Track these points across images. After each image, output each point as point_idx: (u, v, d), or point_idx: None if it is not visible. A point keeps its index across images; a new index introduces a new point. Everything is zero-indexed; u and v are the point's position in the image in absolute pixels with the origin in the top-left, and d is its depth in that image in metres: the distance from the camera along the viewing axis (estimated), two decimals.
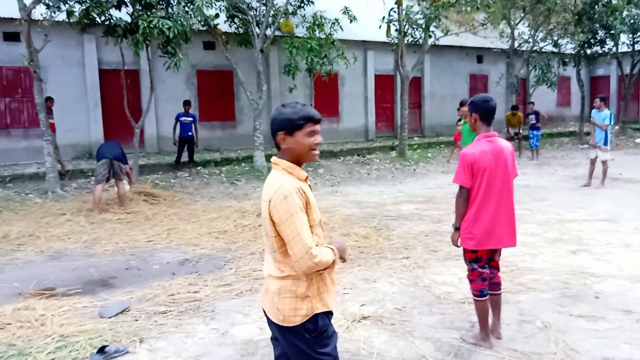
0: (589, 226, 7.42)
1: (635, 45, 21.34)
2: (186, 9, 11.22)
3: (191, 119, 12.93)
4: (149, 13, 10.27)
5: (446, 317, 4.36)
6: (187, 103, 13.10)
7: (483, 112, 3.65)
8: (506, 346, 3.77)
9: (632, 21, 19.86)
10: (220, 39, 13.99)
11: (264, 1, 14.49)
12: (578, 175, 12.09)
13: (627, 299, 4.65)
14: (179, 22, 10.42)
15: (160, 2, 10.95)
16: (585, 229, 7.28)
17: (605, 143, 10.57)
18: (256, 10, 14.49)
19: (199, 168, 13.34)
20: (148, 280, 5.53)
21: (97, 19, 10.99)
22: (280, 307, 2.24)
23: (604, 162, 10.64)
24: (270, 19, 13.86)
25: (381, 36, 17.10)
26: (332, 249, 2.29)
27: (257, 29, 13.80)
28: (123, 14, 10.99)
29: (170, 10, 10.95)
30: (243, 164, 14.02)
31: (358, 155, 16.44)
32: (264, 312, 2.37)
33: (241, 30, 14.71)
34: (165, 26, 10.01)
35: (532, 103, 16.73)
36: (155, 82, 12.75)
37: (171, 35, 10.18)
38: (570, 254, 6.07)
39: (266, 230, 2.26)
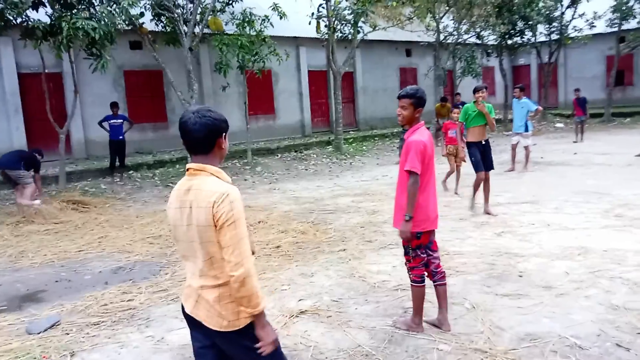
0: (513, 209, 7.84)
1: (552, 35, 22.63)
2: (109, 8, 10.81)
3: (121, 120, 12.52)
4: (70, 14, 9.82)
5: (381, 306, 4.49)
6: (114, 105, 12.66)
7: (424, 104, 3.82)
8: (437, 329, 3.95)
9: (547, 12, 21.06)
10: (146, 39, 13.59)
11: None
12: (503, 161, 12.69)
13: (548, 275, 4.97)
14: (104, 22, 10.04)
15: (82, 2, 10.50)
16: (510, 211, 7.70)
17: (526, 129, 11.18)
18: (183, 8, 14.18)
19: (130, 172, 12.94)
20: (79, 292, 5.34)
21: (14, 21, 10.39)
22: (224, 313, 2.21)
23: (526, 148, 11.26)
24: (198, 17, 13.61)
25: (312, 32, 17.21)
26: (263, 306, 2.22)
27: (184, 27, 13.51)
28: (41, 15, 10.45)
29: (93, 10, 10.52)
30: (177, 166, 13.74)
31: (295, 151, 16.50)
32: (193, 323, 2.31)
33: (168, 29, 14.35)
34: (90, 27, 9.61)
35: (459, 94, 17.40)
36: (80, 85, 12.25)
37: (97, 37, 9.79)
38: (496, 236, 6.41)
39: (202, 238, 2.17)
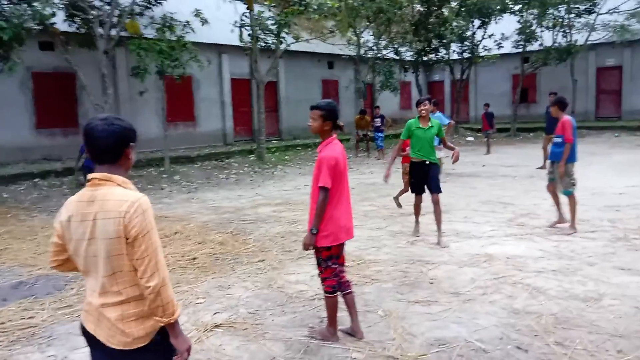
0: (426, 218, 8.12)
1: (464, 54, 23.98)
2: (18, 8, 10.14)
3: None
4: None
5: (297, 316, 4.51)
6: None
7: (335, 118, 3.88)
8: (351, 338, 4.02)
9: (460, 32, 22.30)
10: (58, 40, 12.87)
11: (107, 0, 13.66)
12: None
13: (456, 282, 5.23)
14: (13, 23, 9.39)
15: None
16: (423, 220, 7.96)
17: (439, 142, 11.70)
18: (99, 10, 13.59)
19: (36, 180, 12.14)
20: None
21: None
22: (127, 331, 2.13)
23: (439, 159, 11.78)
24: (114, 19, 13.10)
25: (235, 40, 17.09)
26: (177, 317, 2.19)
27: (100, 30, 12.94)
28: None
29: (1, 9, 9.82)
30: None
31: (216, 159, 16.24)
32: (93, 342, 2.20)
33: (82, 31, 13.68)
34: None
35: (378, 107, 17.95)
36: None
37: (6, 38, 9.13)
38: (410, 245, 6.66)
39: (109, 251, 2.07)
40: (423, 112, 6.70)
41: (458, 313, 4.45)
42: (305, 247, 3.86)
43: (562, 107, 7.10)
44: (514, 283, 5.10)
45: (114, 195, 2.09)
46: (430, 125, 6.69)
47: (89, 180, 2.15)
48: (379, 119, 17.32)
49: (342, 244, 3.97)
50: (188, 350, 2.22)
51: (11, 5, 10.03)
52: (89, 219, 2.10)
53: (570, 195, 6.96)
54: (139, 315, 2.15)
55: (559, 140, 7.02)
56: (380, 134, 17.26)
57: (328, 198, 3.75)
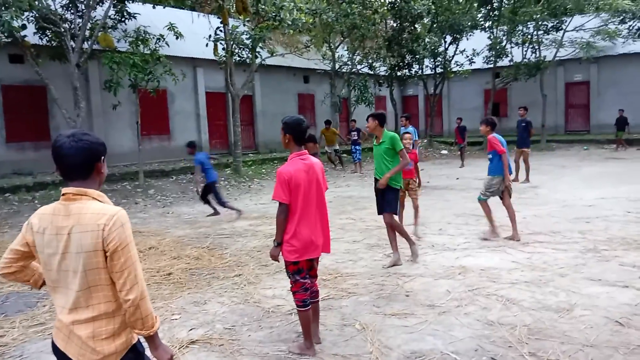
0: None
1: (437, 69, 24.43)
2: None
3: None
4: None
5: (274, 331, 4.49)
6: None
7: (296, 133, 3.90)
8: (328, 352, 4.02)
9: (432, 47, 22.74)
10: (29, 52, 12.66)
11: (80, 14, 13.52)
12: None
13: (432, 294, 5.27)
14: None
15: None
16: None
17: None
18: (71, 23, 13.45)
19: (7, 195, 11.85)
20: None
21: None
22: (99, 348, 2.10)
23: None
24: (87, 32, 12.96)
25: (210, 54, 17.08)
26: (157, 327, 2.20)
27: (72, 43, 12.79)
28: None
29: None
30: (61, 188, 12.77)
31: (192, 173, 16.05)
32: (63, 359, 2.17)
33: (54, 44, 13.50)
34: None
35: (354, 121, 18.12)
36: None
37: None
38: (386, 257, 6.68)
39: (85, 265, 2.05)
40: (367, 128, 6.39)
41: (434, 325, 4.49)
42: (272, 258, 3.99)
43: (492, 127, 7.54)
44: (488, 295, 5.18)
45: (90, 209, 2.08)
46: (382, 140, 6.30)
47: (64, 195, 2.13)
48: (355, 132, 17.49)
49: (312, 260, 4.01)
50: (170, 359, 2.23)
51: None
52: (63, 233, 2.07)
53: (481, 201, 7.57)
54: (111, 333, 2.13)
55: (490, 156, 7.56)
56: (357, 147, 17.43)
57: (285, 212, 3.82)
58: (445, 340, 4.18)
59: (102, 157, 2.19)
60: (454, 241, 7.44)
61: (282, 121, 3.98)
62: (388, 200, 6.24)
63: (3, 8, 10.38)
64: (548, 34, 22.81)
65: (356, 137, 17.43)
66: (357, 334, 4.35)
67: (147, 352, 2.27)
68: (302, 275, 3.94)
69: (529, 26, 22.35)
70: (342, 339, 4.20)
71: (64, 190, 2.13)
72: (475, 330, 4.34)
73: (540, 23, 22.09)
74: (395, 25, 22.74)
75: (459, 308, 4.86)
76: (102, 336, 2.11)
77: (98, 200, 2.14)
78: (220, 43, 16.10)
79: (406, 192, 7.71)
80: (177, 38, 14.32)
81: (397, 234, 6.39)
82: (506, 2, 23.17)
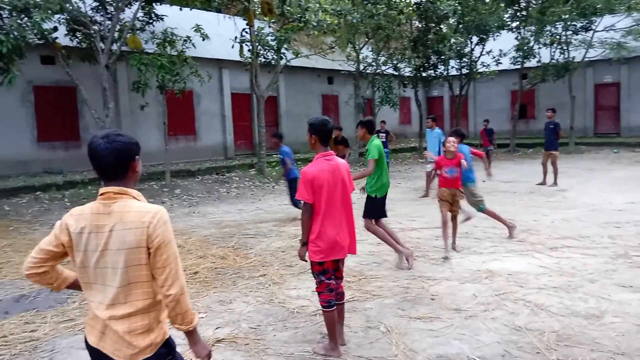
0: (426, 233, 8.20)
1: (462, 70, 24.17)
2: (19, 21, 10.23)
3: None
4: None
5: (299, 331, 4.51)
6: None
7: (322, 134, 3.92)
8: (353, 353, 4.02)
9: (458, 48, 22.50)
10: (60, 54, 12.97)
11: (109, 16, 13.79)
12: (418, 187, 13.29)
13: (458, 298, 5.22)
14: (12, 35, 9.47)
15: None
16: (424, 235, 8.04)
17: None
18: (101, 25, 13.73)
19: (38, 193, 12.15)
20: None
21: None
22: (135, 342, 2.15)
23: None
24: (116, 34, 13.22)
25: (235, 55, 17.24)
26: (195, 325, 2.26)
27: (101, 44, 13.05)
28: None
29: (1, 22, 9.91)
30: (90, 187, 13.08)
31: (217, 173, 16.27)
32: (97, 356, 2.21)
33: (84, 45, 13.80)
34: None
35: (384, 122, 17.91)
36: None
37: (4, 51, 9.21)
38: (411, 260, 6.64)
39: (127, 261, 2.10)
40: (357, 137, 6.25)
41: (460, 329, 4.45)
42: (300, 257, 4.06)
43: (462, 139, 7.38)
44: (516, 300, 5.10)
45: (133, 207, 2.15)
46: (366, 149, 6.35)
47: (103, 194, 2.18)
48: (383, 134, 17.26)
49: (337, 260, 4.01)
50: (208, 355, 2.30)
51: (10, 18, 10.12)
52: (104, 231, 2.13)
53: (483, 211, 7.75)
54: (146, 328, 2.19)
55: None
56: (386, 150, 17.10)
57: (309, 211, 3.86)
58: (472, 344, 4.13)
59: (137, 156, 2.24)
60: (480, 245, 7.36)
61: (308, 122, 4.00)
62: (365, 205, 6.48)
63: (34, 10, 10.64)
64: (577, 35, 22.35)
65: (384, 140, 17.18)
66: (382, 337, 4.34)
67: (179, 349, 2.32)
68: (328, 275, 3.95)
69: (557, 26, 21.94)
70: (367, 341, 4.20)
71: (103, 189, 2.18)
72: (502, 336, 4.28)
73: (569, 23, 21.67)
74: (420, 25, 22.58)
75: (485, 312, 4.80)
76: (137, 331, 2.16)
77: (137, 199, 2.20)
78: (246, 44, 16.24)
79: (451, 203, 7.01)
80: (203, 40, 14.50)
81: (392, 233, 6.57)
82: (534, 2, 22.80)
